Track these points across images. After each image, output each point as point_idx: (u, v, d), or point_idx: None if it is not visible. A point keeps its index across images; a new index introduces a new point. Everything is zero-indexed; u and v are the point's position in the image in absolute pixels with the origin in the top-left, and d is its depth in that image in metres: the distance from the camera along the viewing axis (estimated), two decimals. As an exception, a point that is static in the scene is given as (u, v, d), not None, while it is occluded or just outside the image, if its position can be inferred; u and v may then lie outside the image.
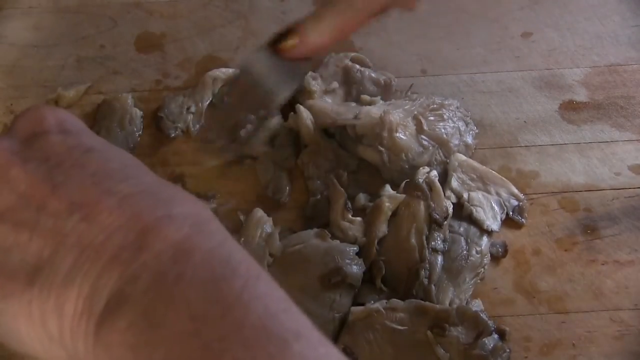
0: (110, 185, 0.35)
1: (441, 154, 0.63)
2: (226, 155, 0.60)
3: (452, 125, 0.65)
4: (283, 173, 0.63)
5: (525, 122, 0.67)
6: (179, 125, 0.66)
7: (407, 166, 0.62)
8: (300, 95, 0.66)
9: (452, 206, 0.60)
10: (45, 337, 0.33)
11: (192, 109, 0.67)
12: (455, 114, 0.65)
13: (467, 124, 0.66)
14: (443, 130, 0.64)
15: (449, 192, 0.61)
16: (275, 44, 0.52)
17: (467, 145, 0.65)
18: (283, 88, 0.54)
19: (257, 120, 0.58)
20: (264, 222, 0.60)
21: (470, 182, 0.62)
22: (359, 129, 0.62)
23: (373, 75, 0.68)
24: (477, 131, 0.66)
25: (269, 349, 0.30)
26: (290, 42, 0.51)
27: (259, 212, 0.60)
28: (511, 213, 0.62)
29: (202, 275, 0.32)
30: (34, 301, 0.33)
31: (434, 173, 0.61)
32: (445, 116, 0.65)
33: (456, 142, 0.64)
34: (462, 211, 0.61)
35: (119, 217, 0.33)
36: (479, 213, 0.61)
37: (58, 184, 0.34)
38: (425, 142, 0.63)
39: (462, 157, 0.63)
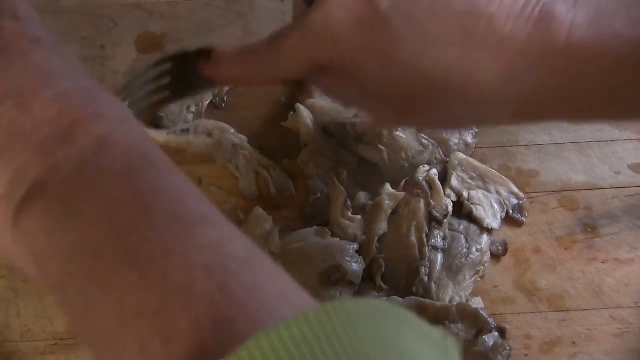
0: (49, 79, 0.35)
1: (441, 152, 0.63)
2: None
3: (452, 124, 0.65)
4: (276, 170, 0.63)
5: (525, 121, 0.67)
6: (180, 124, 0.66)
7: (407, 165, 0.62)
8: (301, 94, 0.66)
9: (452, 205, 0.60)
10: None
11: (192, 108, 0.67)
12: None
13: (466, 124, 0.66)
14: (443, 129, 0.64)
15: (449, 191, 0.61)
16: (200, 54, 0.52)
17: (467, 144, 0.65)
18: (186, 90, 0.56)
19: None
20: (264, 221, 0.60)
21: (470, 181, 0.62)
22: (359, 128, 0.62)
23: (373, 74, 0.68)
24: (476, 130, 0.66)
25: (175, 229, 0.31)
26: (210, 60, 0.51)
27: (259, 211, 0.61)
28: (511, 211, 0.62)
29: (120, 167, 0.33)
30: None
31: (434, 171, 0.61)
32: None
33: (456, 140, 0.64)
34: (462, 209, 0.61)
35: (51, 109, 0.34)
36: (479, 211, 0.61)
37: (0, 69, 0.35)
38: (425, 141, 0.63)
39: (462, 155, 0.63)
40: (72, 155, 0.33)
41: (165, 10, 0.75)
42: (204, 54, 0.52)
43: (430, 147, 0.63)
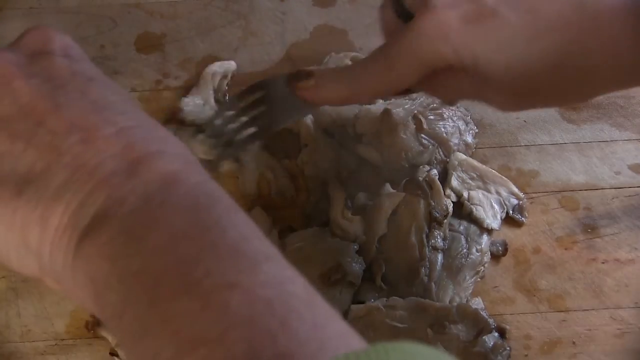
0: (109, 115, 0.36)
1: (441, 153, 0.63)
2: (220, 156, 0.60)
3: (452, 124, 0.65)
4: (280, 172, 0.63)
5: (525, 121, 0.67)
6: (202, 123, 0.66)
7: (407, 165, 0.62)
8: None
9: (451, 205, 0.60)
10: (23, 246, 0.34)
11: (207, 105, 0.67)
12: (455, 113, 0.65)
13: (467, 123, 0.66)
14: (443, 130, 0.64)
15: (448, 191, 0.61)
16: (293, 79, 0.52)
17: (467, 144, 0.65)
18: (282, 117, 0.56)
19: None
20: (263, 221, 0.60)
21: (470, 181, 0.62)
22: (358, 128, 0.62)
23: (373, 75, 0.68)
24: (476, 130, 0.66)
25: (239, 265, 0.31)
26: (305, 83, 0.52)
27: (259, 211, 0.61)
28: (511, 212, 0.62)
29: (185, 203, 0.33)
30: (19, 210, 0.34)
31: (435, 172, 0.61)
32: (445, 115, 0.65)
33: (456, 141, 0.64)
34: (462, 210, 0.61)
35: (114, 145, 0.35)
36: (479, 212, 0.61)
37: (60, 104, 0.35)
38: (425, 141, 0.63)
39: (462, 156, 0.63)
40: (137, 190, 0.33)
41: (165, 10, 0.75)
42: (295, 78, 0.52)
43: (430, 147, 0.63)
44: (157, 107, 0.68)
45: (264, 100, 0.55)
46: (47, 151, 0.34)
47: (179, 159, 0.35)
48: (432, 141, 0.63)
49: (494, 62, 0.45)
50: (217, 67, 0.69)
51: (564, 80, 0.46)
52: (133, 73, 0.71)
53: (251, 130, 0.56)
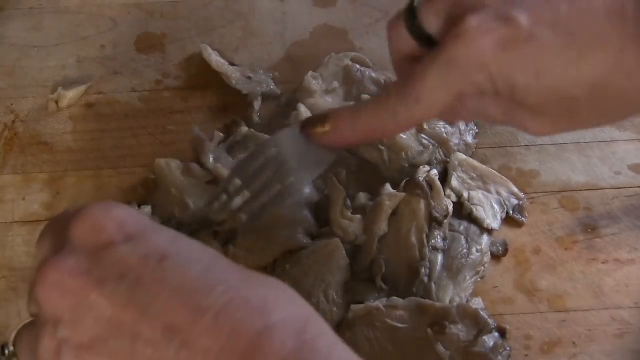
0: (199, 300, 0.33)
1: (441, 152, 0.63)
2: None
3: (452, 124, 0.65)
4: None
5: (525, 121, 0.67)
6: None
7: (406, 165, 0.62)
8: (301, 94, 0.66)
9: (452, 205, 0.60)
10: None
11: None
12: None
13: (466, 124, 0.66)
14: (443, 129, 0.64)
15: (448, 191, 0.61)
16: (307, 125, 0.50)
17: (467, 144, 0.65)
18: (304, 171, 0.52)
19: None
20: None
21: (470, 181, 0.62)
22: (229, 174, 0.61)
23: (373, 75, 0.68)
24: (477, 130, 0.66)
25: None
26: (322, 129, 0.49)
27: None
28: (511, 212, 0.62)
29: None
30: None
31: (434, 171, 0.61)
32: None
33: (456, 141, 0.64)
34: (462, 210, 0.61)
35: (218, 338, 0.32)
36: (479, 211, 0.61)
37: (145, 307, 0.33)
38: (425, 141, 0.63)
39: (462, 156, 0.63)
40: None
41: (165, 10, 0.75)
42: (309, 125, 0.49)
43: (431, 147, 0.63)
44: (157, 107, 0.68)
45: (276, 160, 0.51)
46: None
47: (290, 329, 0.33)
48: (432, 141, 0.63)
49: (532, 88, 0.43)
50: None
51: (605, 101, 0.44)
52: (133, 73, 0.71)
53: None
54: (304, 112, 0.63)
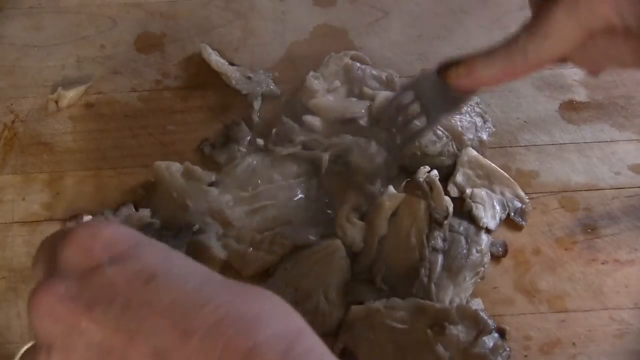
0: (188, 322, 0.33)
1: (454, 146, 0.63)
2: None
3: (468, 119, 0.65)
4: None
5: (525, 121, 0.67)
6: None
7: (419, 153, 0.62)
8: (303, 94, 0.66)
9: (452, 205, 0.60)
10: None
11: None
12: (474, 109, 0.66)
13: (485, 121, 0.66)
14: (458, 123, 0.64)
15: (451, 186, 0.61)
16: (443, 70, 0.52)
17: (481, 142, 0.65)
18: (438, 113, 0.56)
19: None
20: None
21: (476, 179, 0.62)
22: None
23: (374, 72, 0.68)
24: (494, 129, 0.66)
25: None
26: (459, 71, 0.50)
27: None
28: (512, 214, 0.62)
29: None
30: None
31: (435, 172, 0.61)
32: (462, 109, 0.65)
33: (471, 136, 0.64)
34: (463, 207, 0.61)
35: (210, 355, 0.32)
36: (479, 210, 0.61)
37: (134, 331, 0.32)
38: (439, 132, 0.63)
39: (473, 152, 0.63)
40: None
41: (165, 10, 0.75)
42: (445, 68, 0.52)
43: (444, 138, 0.63)
44: (157, 107, 0.68)
45: (418, 99, 0.56)
46: None
47: (279, 346, 0.32)
48: (447, 133, 0.63)
49: None
50: None
51: None
52: (133, 73, 0.71)
53: (413, 127, 0.57)
54: (311, 121, 0.64)
